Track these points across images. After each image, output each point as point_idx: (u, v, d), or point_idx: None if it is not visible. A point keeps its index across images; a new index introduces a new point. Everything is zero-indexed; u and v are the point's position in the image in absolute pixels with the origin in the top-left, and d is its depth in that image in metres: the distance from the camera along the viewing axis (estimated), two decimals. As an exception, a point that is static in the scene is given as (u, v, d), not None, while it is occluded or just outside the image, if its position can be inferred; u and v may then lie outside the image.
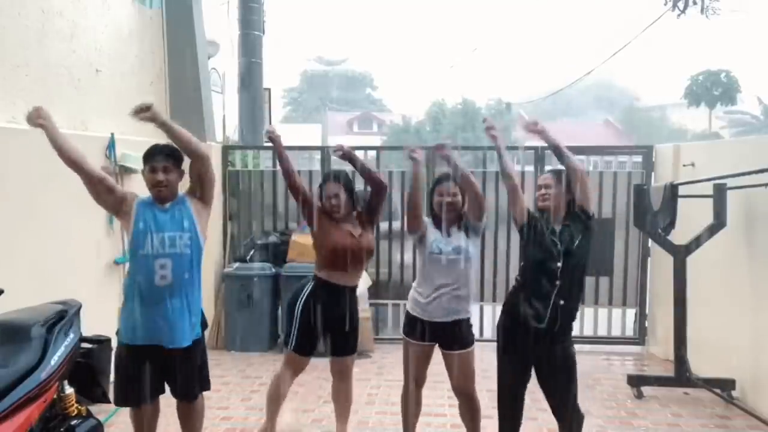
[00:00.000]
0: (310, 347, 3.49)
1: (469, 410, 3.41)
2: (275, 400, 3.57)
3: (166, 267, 2.92)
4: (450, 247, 3.25)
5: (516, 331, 3.09)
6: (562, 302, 3.01)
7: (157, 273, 2.91)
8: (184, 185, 3.19)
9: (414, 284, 3.43)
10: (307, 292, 3.49)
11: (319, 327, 3.42)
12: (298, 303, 3.48)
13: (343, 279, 3.47)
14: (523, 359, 3.13)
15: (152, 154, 3.02)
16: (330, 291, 3.45)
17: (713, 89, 32.26)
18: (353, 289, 3.56)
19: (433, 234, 3.31)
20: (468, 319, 3.34)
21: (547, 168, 6.02)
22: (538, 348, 3.05)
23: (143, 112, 2.85)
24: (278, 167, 6.36)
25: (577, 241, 3.06)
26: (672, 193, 4.59)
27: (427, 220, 3.40)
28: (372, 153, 6.49)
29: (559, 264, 3.02)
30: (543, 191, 3.15)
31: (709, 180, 4.37)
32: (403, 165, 6.42)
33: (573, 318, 3.15)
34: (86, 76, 4.84)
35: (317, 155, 6.39)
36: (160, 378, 3.07)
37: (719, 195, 4.28)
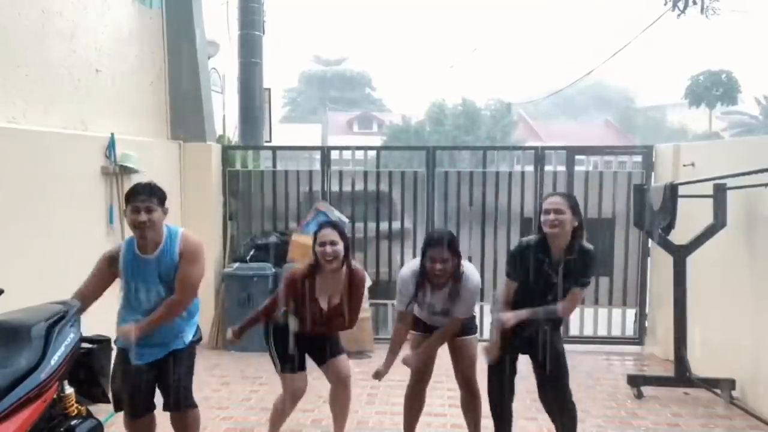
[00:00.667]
0: (296, 366, 3.43)
1: (471, 401, 3.46)
2: (277, 417, 3.57)
3: (144, 312, 3.01)
4: (431, 310, 3.30)
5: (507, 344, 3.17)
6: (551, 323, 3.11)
7: (140, 315, 3.01)
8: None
9: None
10: (273, 325, 3.49)
11: (297, 347, 3.40)
12: (269, 333, 3.49)
13: (312, 332, 3.39)
14: (512, 359, 3.22)
15: (135, 194, 2.96)
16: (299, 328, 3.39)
17: (714, 89, 32.29)
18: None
19: (419, 296, 3.27)
20: (472, 317, 3.43)
21: (549, 168, 6.03)
22: (528, 350, 3.13)
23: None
24: (278, 167, 6.41)
25: (578, 276, 3.08)
26: (672, 193, 4.59)
27: (408, 279, 3.29)
28: (372, 153, 6.50)
29: (550, 297, 3.08)
30: (553, 216, 3.00)
31: (709, 180, 4.36)
32: (403, 166, 6.44)
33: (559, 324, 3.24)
34: (86, 76, 4.84)
35: (317, 155, 6.38)
36: (151, 390, 3.11)
37: (719, 195, 4.28)
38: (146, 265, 2.98)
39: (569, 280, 3.07)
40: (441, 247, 3.10)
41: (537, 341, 3.10)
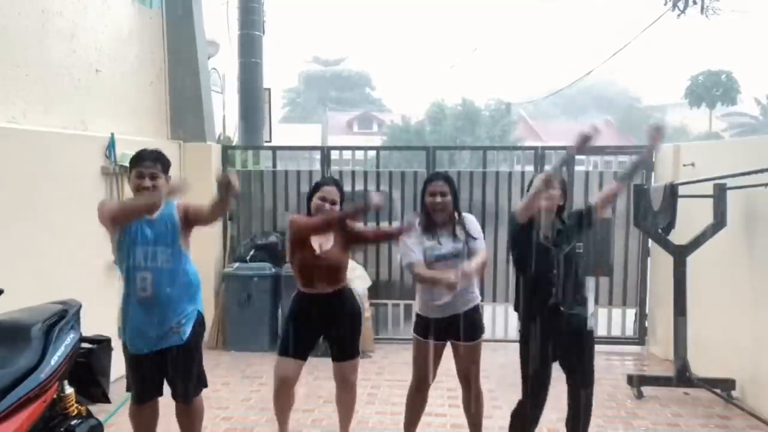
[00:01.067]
0: (294, 350, 3.38)
1: (473, 400, 3.44)
2: (279, 408, 3.52)
3: (146, 280, 2.94)
4: (443, 252, 3.24)
5: (536, 335, 3.16)
6: (568, 293, 3.11)
7: (138, 285, 2.95)
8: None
9: (417, 288, 3.40)
10: (291, 300, 3.51)
11: (304, 332, 3.39)
12: (290, 308, 3.49)
13: (318, 289, 3.37)
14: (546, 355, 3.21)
15: (140, 159, 2.98)
16: (310, 299, 3.38)
17: (713, 90, 32.30)
18: (337, 292, 3.42)
19: (425, 242, 3.26)
20: (476, 307, 3.37)
21: (547, 168, 6.04)
22: (560, 338, 3.17)
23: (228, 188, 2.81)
24: (278, 167, 6.42)
25: (573, 243, 3.12)
26: (672, 193, 4.59)
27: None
28: (372, 153, 6.50)
29: (555, 271, 3.07)
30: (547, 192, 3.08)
31: (709, 180, 4.37)
32: (402, 165, 6.43)
33: (582, 292, 3.25)
34: (86, 76, 4.84)
35: (317, 155, 6.38)
36: (158, 379, 3.11)
37: (719, 195, 4.28)
38: (149, 226, 2.97)
39: (568, 249, 3.11)
40: (439, 180, 3.30)
41: (572, 348, 3.21)
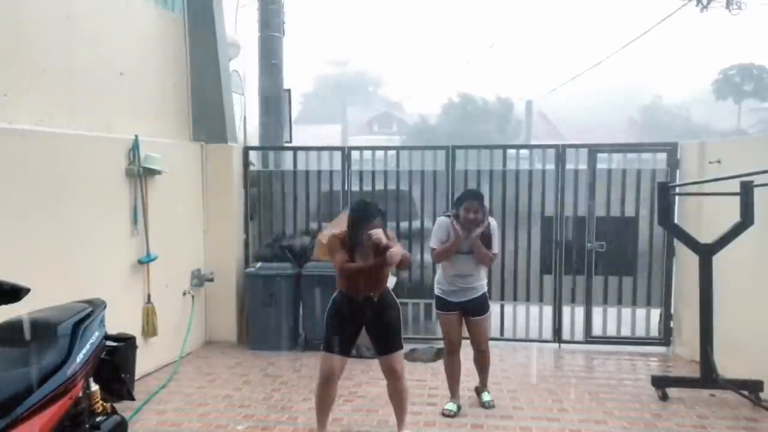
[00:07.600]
0: (337, 347, 3.57)
1: (481, 360, 4.35)
2: (317, 402, 3.68)
3: None
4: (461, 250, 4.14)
5: None
6: None
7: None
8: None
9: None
10: (332, 300, 3.72)
11: (346, 329, 3.62)
12: (327, 310, 3.71)
13: (360, 294, 3.62)
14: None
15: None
16: (350, 299, 3.63)
17: (743, 84, 31.57)
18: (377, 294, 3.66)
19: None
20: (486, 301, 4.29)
21: (570, 167, 5.97)
22: None
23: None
24: (298, 167, 6.45)
25: None
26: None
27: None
28: (391, 152, 6.49)
29: None
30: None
31: (735, 177, 4.27)
32: (422, 165, 6.41)
33: None
34: (110, 79, 4.92)
35: (337, 155, 6.39)
36: None
37: (746, 192, 4.19)
38: None
39: None
40: (473, 200, 4.09)
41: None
